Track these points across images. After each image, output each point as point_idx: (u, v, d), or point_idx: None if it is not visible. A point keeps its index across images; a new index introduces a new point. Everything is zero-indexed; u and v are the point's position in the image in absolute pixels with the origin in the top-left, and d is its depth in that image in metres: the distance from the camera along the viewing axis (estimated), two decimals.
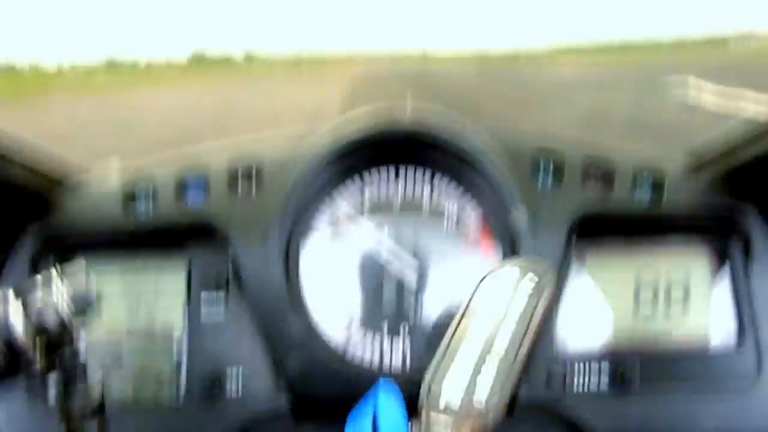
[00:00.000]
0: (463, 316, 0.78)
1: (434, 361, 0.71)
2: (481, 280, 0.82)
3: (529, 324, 0.76)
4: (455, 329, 0.76)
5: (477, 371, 0.72)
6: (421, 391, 0.69)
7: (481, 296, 0.78)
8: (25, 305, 0.70)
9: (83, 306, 0.74)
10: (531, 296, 0.79)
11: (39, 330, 0.70)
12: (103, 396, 0.77)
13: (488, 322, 0.76)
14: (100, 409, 0.77)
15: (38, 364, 0.71)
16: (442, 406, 0.70)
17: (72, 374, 0.75)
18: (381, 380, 0.81)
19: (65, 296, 0.73)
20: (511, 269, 0.82)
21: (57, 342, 0.72)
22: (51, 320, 0.71)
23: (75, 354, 0.74)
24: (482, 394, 0.70)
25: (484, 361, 0.72)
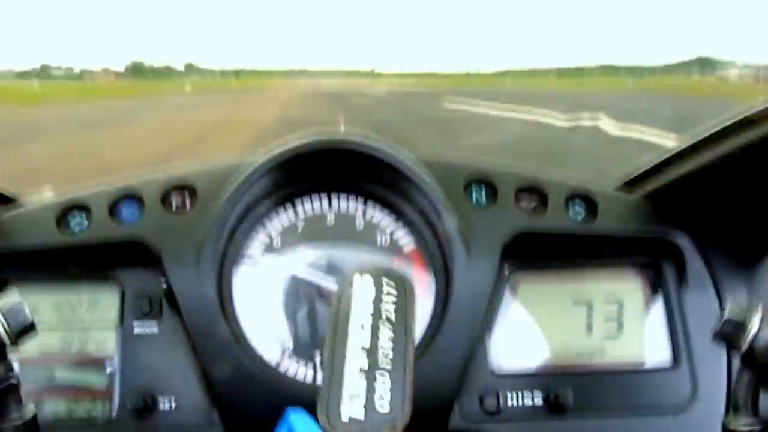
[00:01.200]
0: (333, 335, 0.79)
1: (323, 391, 0.71)
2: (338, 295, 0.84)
3: (406, 331, 0.78)
4: (331, 353, 0.77)
5: (371, 388, 0.74)
6: (320, 422, 0.70)
7: (343, 311, 0.79)
8: None
9: (18, 324, 0.75)
10: (398, 304, 0.79)
11: None
12: (35, 414, 0.79)
13: (363, 338, 0.77)
14: (33, 428, 0.78)
15: None
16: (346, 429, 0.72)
17: (5, 389, 0.76)
18: (289, 410, 0.84)
19: (0, 315, 0.75)
20: (365, 280, 0.82)
21: None
22: None
23: (9, 370, 0.76)
24: (385, 408, 0.72)
25: (375, 378, 0.74)
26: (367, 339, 0.74)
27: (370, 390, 0.72)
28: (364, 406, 0.72)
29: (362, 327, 0.75)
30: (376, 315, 0.76)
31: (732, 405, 0.81)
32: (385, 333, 0.76)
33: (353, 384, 0.73)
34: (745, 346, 0.78)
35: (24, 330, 0.76)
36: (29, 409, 0.78)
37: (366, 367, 0.73)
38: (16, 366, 0.78)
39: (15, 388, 0.76)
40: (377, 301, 0.78)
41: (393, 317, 0.77)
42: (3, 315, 0.74)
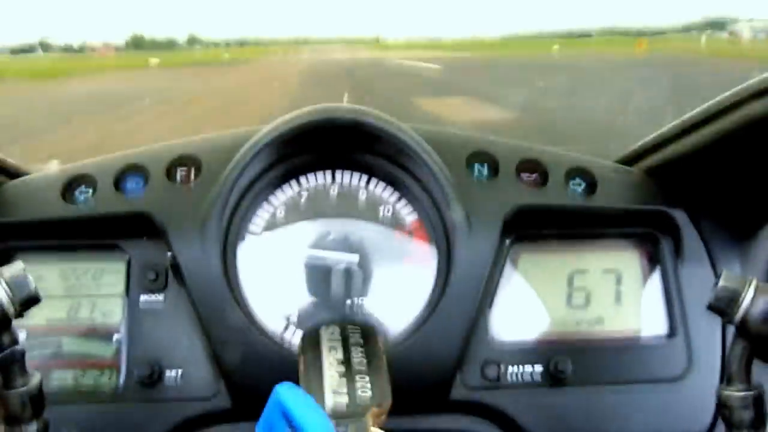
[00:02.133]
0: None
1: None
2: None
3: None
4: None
5: (352, 386, 0.82)
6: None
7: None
8: None
9: (22, 293, 0.76)
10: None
11: None
12: (41, 383, 0.80)
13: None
14: (39, 396, 0.79)
15: None
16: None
17: (10, 359, 0.77)
18: (279, 385, 0.82)
19: (3, 284, 0.75)
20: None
21: None
22: None
23: (14, 341, 0.77)
24: (367, 393, 0.78)
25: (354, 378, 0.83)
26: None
27: (351, 386, 0.78)
28: (348, 394, 0.77)
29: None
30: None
31: (726, 374, 0.82)
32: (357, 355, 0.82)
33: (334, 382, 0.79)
34: (738, 316, 0.79)
35: (28, 300, 0.76)
36: (35, 379, 0.78)
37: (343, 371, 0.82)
38: (22, 336, 0.80)
39: (20, 358, 0.77)
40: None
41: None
42: (7, 284, 0.74)
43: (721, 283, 0.81)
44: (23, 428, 0.77)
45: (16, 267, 0.77)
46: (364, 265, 1.15)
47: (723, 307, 0.80)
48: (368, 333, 0.95)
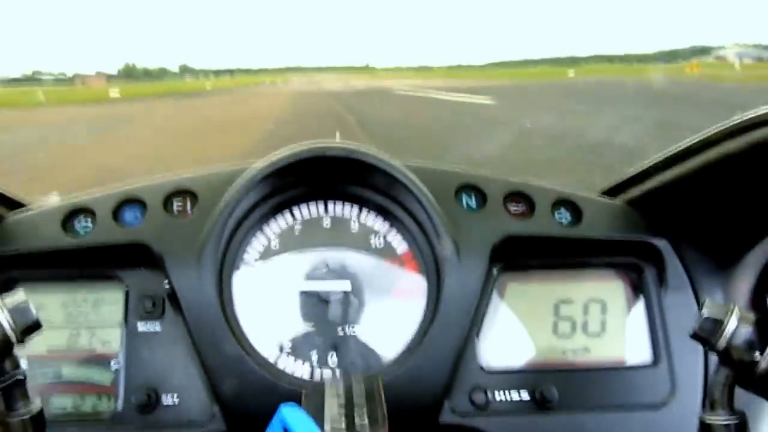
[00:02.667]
0: None
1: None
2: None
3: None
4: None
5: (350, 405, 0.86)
6: None
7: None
8: None
9: (24, 321, 0.78)
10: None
11: None
12: (41, 408, 0.81)
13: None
14: (40, 420, 0.81)
15: None
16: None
17: (12, 385, 0.79)
18: (282, 405, 0.86)
19: (6, 312, 0.77)
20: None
21: None
22: None
23: (16, 366, 0.79)
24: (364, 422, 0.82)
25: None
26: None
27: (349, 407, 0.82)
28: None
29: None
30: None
31: (709, 400, 0.84)
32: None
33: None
34: (722, 344, 0.81)
35: (29, 327, 0.78)
36: (35, 404, 0.80)
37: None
38: (23, 363, 0.82)
39: (21, 384, 0.79)
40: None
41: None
42: (9, 313, 0.76)
43: (704, 312, 0.83)
44: None
45: (18, 295, 0.79)
46: (356, 294, 1.18)
47: (706, 335, 0.83)
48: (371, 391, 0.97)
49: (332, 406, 0.90)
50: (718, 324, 0.82)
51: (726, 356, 0.83)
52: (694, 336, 0.84)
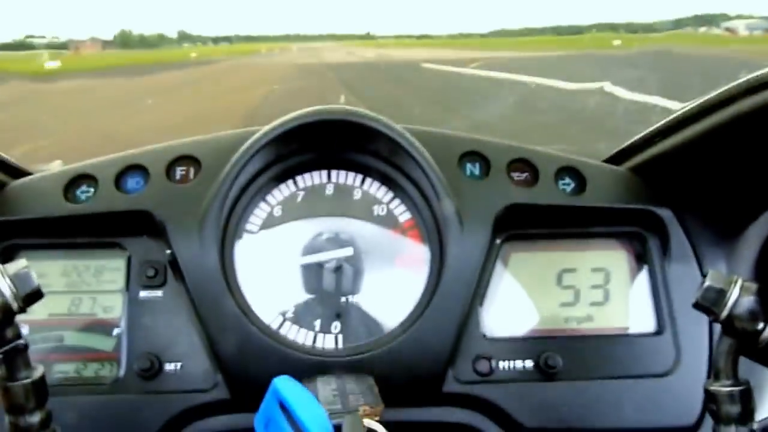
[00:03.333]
0: None
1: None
2: None
3: None
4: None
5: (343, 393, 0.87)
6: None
7: None
8: None
9: (25, 289, 0.78)
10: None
11: None
12: (44, 375, 0.82)
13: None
14: (41, 387, 0.82)
15: None
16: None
17: (14, 351, 0.79)
18: (276, 379, 0.86)
19: (7, 279, 0.77)
20: None
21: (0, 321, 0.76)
22: None
23: (17, 335, 0.79)
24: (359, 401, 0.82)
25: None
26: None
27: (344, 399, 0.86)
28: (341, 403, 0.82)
29: None
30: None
31: (713, 370, 0.84)
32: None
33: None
34: (724, 314, 0.81)
35: (31, 295, 0.78)
36: (38, 370, 0.80)
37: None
38: (24, 329, 0.83)
39: (23, 351, 0.79)
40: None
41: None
42: (11, 280, 0.76)
43: (707, 282, 0.83)
44: (27, 419, 0.80)
45: (20, 263, 0.79)
46: (359, 263, 1.18)
47: (709, 305, 0.83)
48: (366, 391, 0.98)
49: (325, 392, 0.90)
50: (720, 294, 0.82)
51: (729, 326, 0.83)
52: (697, 305, 0.84)
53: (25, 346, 0.80)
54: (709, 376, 0.87)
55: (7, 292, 0.76)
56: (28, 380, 0.79)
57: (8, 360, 0.79)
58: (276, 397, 0.82)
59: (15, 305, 0.77)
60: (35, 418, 0.80)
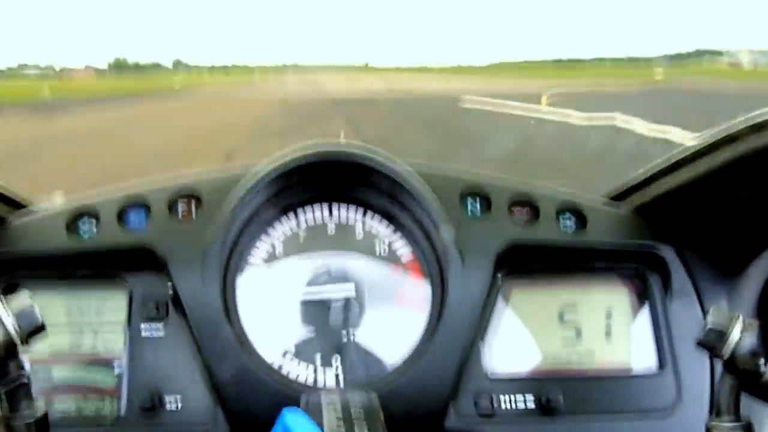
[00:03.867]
0: None
1: None
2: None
3: None
4: None
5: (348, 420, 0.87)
6: None
7: None
8: None
9: (29, 324, 0.78)
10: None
11: None
12: (46, 412, 0.82)
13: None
14: (44, 423, 0.82)
15: None
16: None
17: (17, 387, 0.79)
18: (285, 409, 0.86)
19: (11, 315, 0.77)
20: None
21: (3, 357, 0.77)
22: None
23: (20, 369, 0.80)
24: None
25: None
26: None
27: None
28: None
29: None
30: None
31: (715, 408, 0.85)
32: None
33: None
34: (727, 354, 0.82)
35: (34, 330, 0.79)
36: (40, 407, 0.81)
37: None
38: (27, 366, 0.83)
39: (26, 387, 0.80)
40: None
41: None
42: (14, 316, 0.77)
43: (710, 320, 0.84)
44: None
45: (23, 299, 0.80)
46: (361, 299, 1.18)
47: (712, 343, 0.84)
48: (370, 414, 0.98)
49: (331, 420, 0.90)
50: (723, 332, 0.83)
51: (731, 364, 0.83)
52: (700, 344, 0.85)
53: (28, 382, 0.80)
54: (711, 413, 0.87)
55: (11, 328, 0.77)
56: (31, 417, 0.80)
57: (11, 396, 0.79)
58: (284, 429, 0.83)
59: (18, 340, 0.78)
60: None
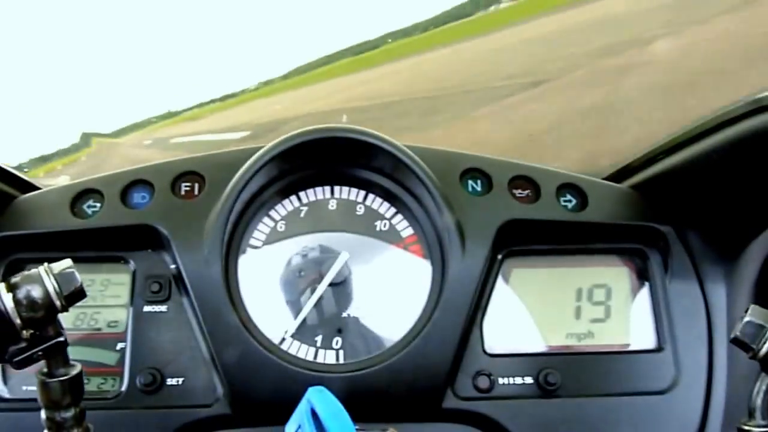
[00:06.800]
0: None
1: None
2: None
3: None
4: None
5: None
6: None
7: None
8: (12, 286, 0.80)
9: (69, 288, 0.82)
10: None
11: (27, 306, 0.79)
12: (81, 373, 0.86)
13: None
14: (78, 385, 0.86)
15: (24, 337, 0.81)
16: None
17: (53, 346, 0.83)
18: (311, 388, 0.89)
19: (52, 278, 0.82)
20: None
21: (43, 318, 0.81)
22: (38, 298, 0.80)
23: (58, 332, 0.84)
24: None
25: None
26: None
27: None
28: None
29: None
30: None
31: (748, 408, 0.86)
32: None
33: None
34: (764, 352, 0.81)
35: (74, 294, 0.83)
36: (75, 368, 0.87)
37: None
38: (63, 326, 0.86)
39: (62, 346, 0.85)
40: None
41: None
42: (55, 279, 0.82)
43: (747, 317, 0.84)
44: (62, 414, 0.85)
45: (64, 263, 0.85)
46: (360, 278, 1.25)
47: (748, 341, 0.84)
48: None
49: None
50: (760, 330, 0.83)
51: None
52: (735, 341, 0.85)
53: (66, 344, 0.86)
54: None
55: (52, 291, 0.82)
56: (66, 377, 0.85)
57: (49, 356, 0.85)
58: (309, 405, 0.88)
59: (58, 303, 0.82)
60: (70, 413, 0.86)
